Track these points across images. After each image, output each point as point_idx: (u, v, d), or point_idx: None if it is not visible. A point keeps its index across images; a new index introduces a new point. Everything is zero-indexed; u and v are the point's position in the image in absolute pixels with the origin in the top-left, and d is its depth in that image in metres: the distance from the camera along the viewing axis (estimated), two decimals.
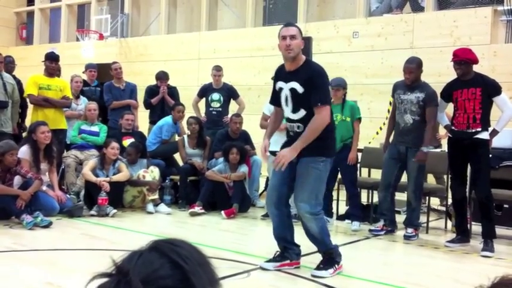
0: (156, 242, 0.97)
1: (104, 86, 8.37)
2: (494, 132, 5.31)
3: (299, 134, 4.09)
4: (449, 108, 5.72)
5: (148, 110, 8.44)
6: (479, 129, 5.22)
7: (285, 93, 4.15)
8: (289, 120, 4.22)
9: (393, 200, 6.00)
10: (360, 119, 6.22)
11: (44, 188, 6.17)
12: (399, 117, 5.73)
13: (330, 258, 4.21)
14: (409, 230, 5.68)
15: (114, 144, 6.65)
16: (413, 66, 5.60)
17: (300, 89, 4.05)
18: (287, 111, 4.19)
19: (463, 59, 5.26)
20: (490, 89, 5.25)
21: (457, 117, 5.38)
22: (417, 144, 5.59)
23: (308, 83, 4.03)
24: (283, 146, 4.26)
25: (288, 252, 4.35)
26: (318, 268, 4.16)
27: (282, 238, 4.37)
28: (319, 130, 4.02)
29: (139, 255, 0.94)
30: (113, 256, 1.01)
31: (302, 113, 4.09)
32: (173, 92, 8.43)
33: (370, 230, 5.95)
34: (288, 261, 4.33)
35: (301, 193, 4.11)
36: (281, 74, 4.22)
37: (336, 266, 4.20)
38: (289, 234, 4.38)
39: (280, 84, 4.21)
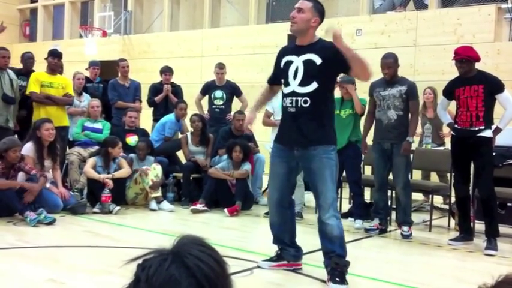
0: (182, 252, 0.97)
1: (108, 84, 8.35)
2: (498, 130, 5.29)
3: (303, 110, 3.89)
4: (452, 106, 5.71)
5: (152, 108, 8.44)
6: (482, 127, 5.20)
7: (296, 65, 3.93)
8: (293, 94, 3.94)
9: (387, 198, 6.03)
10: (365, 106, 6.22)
11: (48, 185, 6.19)
12: (381, 115, 5.70)
13: (341, 271, 3.85)
14: (405, 229, 5.65)
15: (120, 144, 6.74)
16: (391, 60, 5.62)
17: (318, 60, 3.86)
18: (293, 84, 3.93)
19: (465, 56, 5.24)
20: (493, 86, 5.22)
21: (459, 115, 5.37)
22: (402, 139, 5.59)
23: (327, 55, 3.83)
24: (280, 131, 4.13)
25: (283, 253, 4.28)
26: (334, 281, 3.80)
27: (280, 239, 4.28)
28: (364, 67, 3.83)
29: (167, 267, 0.94)
30: (133, 255, 1.01)
31: (313, 86, 3.85)
32: (177, 90, 8.43)
33: (365, 230, 5.90)
34: (285, 262, 4.26)
35: (323, 189, 3.88)
36: (289, 50, 4.07)
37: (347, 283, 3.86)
38: (288, 237, 4.26)
39: (288, 58, 4.01)
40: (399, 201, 5.75)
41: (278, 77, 4.14)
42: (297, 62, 3.94)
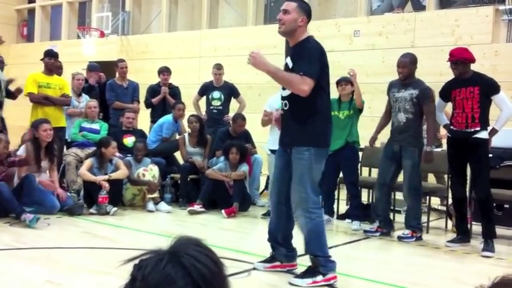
0: (179, 252, 0.97)
1: (106, 85, 8.34)
2: (494, 131, 5.30)
3: (285, 112, 4.02)
4: (449, 107, 5.71)
5: (150, 109, 8.43)
6: (478, 128, 5.21)
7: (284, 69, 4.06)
8: (281, 97, 4.11)
9: (389, 200, 6.00)
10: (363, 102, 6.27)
11: (38, 179, 6.09)
12: (393, 116, 5.72)
13: (313, 267, 3.94)
14: (405, 232, 5.64)
15: (114, 144, 6.68)
16: (407, 60, 5.62)
17: (290, 63, 3.95)
18: (280, 88, 4.08)
19: (459, 58, 5.25)
20: (488, 87, 5.24)
21: (455, 117, 5.37)
22: (411, 143, 5.57)
23: (298, 60, 3.88)
24: (281, 132, 4.19)
25: (276, 253, 4.28)
26: (296, 276, 3.96)
27: (273, 237, 4.29)
28: (289, 84, 3.83)
29: (163, 266, 0.94)
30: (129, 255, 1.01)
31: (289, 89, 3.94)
32: (175, 92, 8.40)
33: (365, 231, 5.88)
34: (278, 263, 4.25)
35: (292, 188, 3.98)
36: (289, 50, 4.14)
37: (320, 277, 3.88)
38: (281, 236, 4.24)
39: (286, 60, 4.13)
40: (406, 203, 5.79)
41: None
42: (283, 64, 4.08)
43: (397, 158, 5.68)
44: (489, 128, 5.27)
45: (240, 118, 7.49)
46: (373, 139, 6.02)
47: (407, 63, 5.60)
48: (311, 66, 3.80)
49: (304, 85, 3.75)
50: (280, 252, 4.26)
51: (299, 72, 3.78)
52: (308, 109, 3.91)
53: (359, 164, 6.65)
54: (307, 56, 3.84)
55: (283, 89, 4.02)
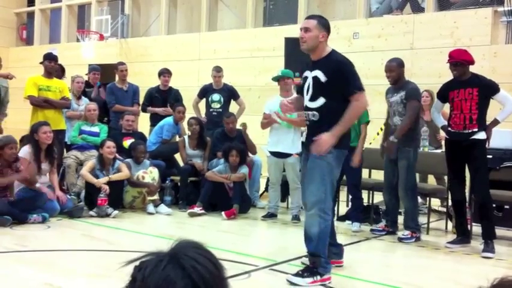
0: (178, 253, 0.97)
1: (106, 88, 8.35)
2: (495, 122, 5.29)
3: (314, 123, 4.08)
4: (446, 107, 5.71)
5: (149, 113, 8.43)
6: (475, 129, 5.22)
7: (309, 81, 4.14)
8: (307, 108, 4.17)
9: (397, 202, 6.02)
10: (367, 122, 6.23)
11: (38, 185, 6.09)
12: (390, 120, 5.82)
13: (313, 267, 4.02)
14: (405, 232, 5.66)
15: (110, 143, 6.64)
16: (394, 64, 5.68)
17: (322, 77, 4.02)
18: (306, 99, 4.16)
19: (459, 60, 5.27)
20: (488, 89, 5.25)
21: (453, 118, 5.38)
22: (405, 143, 5.59)
23: (333, 73, 4.00)
24: (307, 139, 4.26)
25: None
26: (296, 274, 3.98)
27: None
28: (358, 115, 4.22)
29: (163, 267, 0.94)
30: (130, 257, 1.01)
31: (321, 101, 4.05)
32: (177, 97, 8.36)
33: (371, 230, 5.98)
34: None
35: (308, 186, 4.05)
36: (309, 65, 4.22)
37: (318, 277, 3.96)
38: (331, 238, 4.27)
39: (306, 73, 4.20)
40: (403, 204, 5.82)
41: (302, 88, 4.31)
42: (310, 77, 4.14)
43: (396, 160, 5.71)
44: (490, 125, 5.30)
45: (225, 116, 7.50)
46: (382, 147, 5.97)
47: (395, 67, 5.67)
48: (357, 81, 4.04)
49: (362, 101, 4.03)
50: (330, 251, 4.29)
51: (353, 91, 3.96)
52: (337, 117, 4.00)
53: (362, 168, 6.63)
54: (350, 74, 4.03)
55: (312, 100, 4.09)
